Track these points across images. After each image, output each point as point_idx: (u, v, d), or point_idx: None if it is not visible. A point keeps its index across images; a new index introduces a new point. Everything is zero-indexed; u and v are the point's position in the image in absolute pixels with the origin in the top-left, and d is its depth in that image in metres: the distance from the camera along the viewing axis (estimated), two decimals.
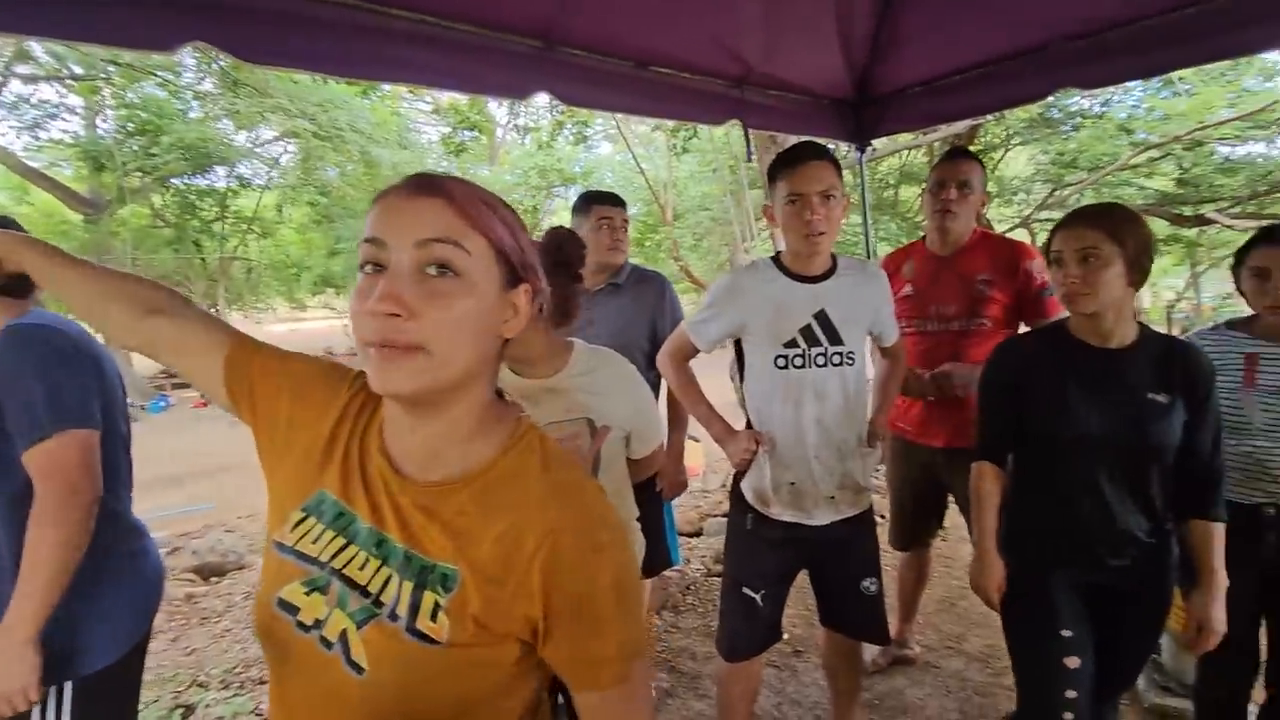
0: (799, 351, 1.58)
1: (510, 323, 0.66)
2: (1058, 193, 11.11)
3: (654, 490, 2.06)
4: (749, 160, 2.90)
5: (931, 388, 2.02)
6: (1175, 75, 9.04)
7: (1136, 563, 1.36)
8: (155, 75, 12.05)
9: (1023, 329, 2.05)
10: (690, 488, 4.97)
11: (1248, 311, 1.62)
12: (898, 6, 2.47)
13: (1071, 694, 1.33)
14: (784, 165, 1.55)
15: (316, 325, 25.83)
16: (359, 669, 0.60)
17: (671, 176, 13.21)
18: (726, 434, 1.67)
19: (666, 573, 3.01)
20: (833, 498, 1.62)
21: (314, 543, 0.65)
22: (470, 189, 0.63)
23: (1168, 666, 2.13)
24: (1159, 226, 12.18)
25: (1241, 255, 1.55)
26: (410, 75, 1.77)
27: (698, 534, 3.80)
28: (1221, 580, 1.34)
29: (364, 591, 0.63)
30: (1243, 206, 9.96)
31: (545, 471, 0.67)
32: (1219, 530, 1.35)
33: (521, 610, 0.62)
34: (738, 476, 1.73)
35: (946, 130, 7.39)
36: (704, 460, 5.22)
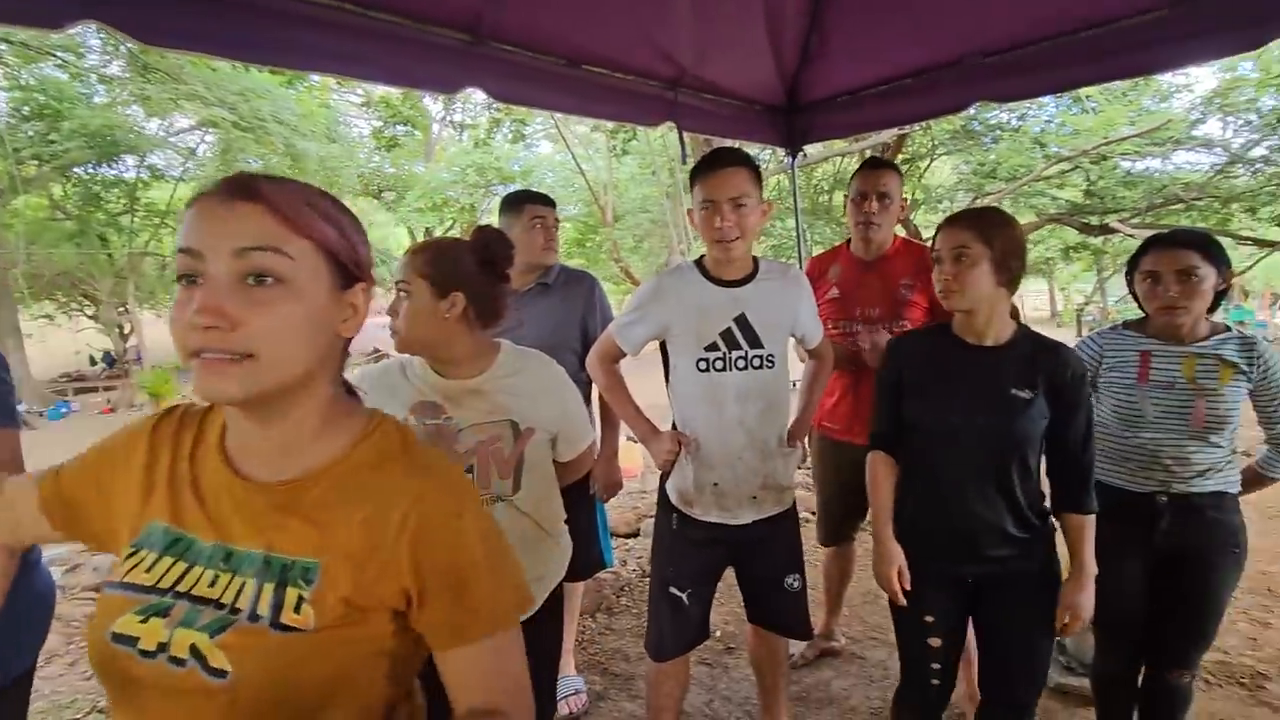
0: (719, 355, 1.60)
1: (349, 321, 0.67)
2: (979, 201, 11.71)
3: (584, 492, 2.05)
4: (684, 162, 2.92)
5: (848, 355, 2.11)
6: (1083, 93, 9.69)
7: (1013, 555, 1.41)
8: (55, 56, 11.19)
9: None
10: (627, 489, 4.97)
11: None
12: (825, 18, 2.54)
13: (936, 666, 1.50)
14: (700, 171, 1.58)
15: None
16: (221, 674, 0.59)
17: (612, 178, 13.20)
18: (651, 435, 1.69)
19: (600, 574, 3.00)
20: (755, 498, 1.65)
21: (147, 572, 0.64)
22: (291, 190, 0.63)
23: (1069, 648, 2.27)
24: (1069, 235, 13.03)
25: (1134, 262, 1.66)
26: (331, 65, 1.70)
27: (634, 535, 3.80)
28: (1090, 570, 1.40)
29: (217, 604, 0.62)
30: (1141, 217, 10.78)
31: (405, 454, 0.70)
32: (1089, 522, 1.42)
33: (393, 584, 0.64)
34: (663, 478, 1.74)
35: (876, 138, 7.67)
36: (641, 461, 5.23)
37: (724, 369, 1.60)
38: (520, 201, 2.16)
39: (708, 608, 1.75)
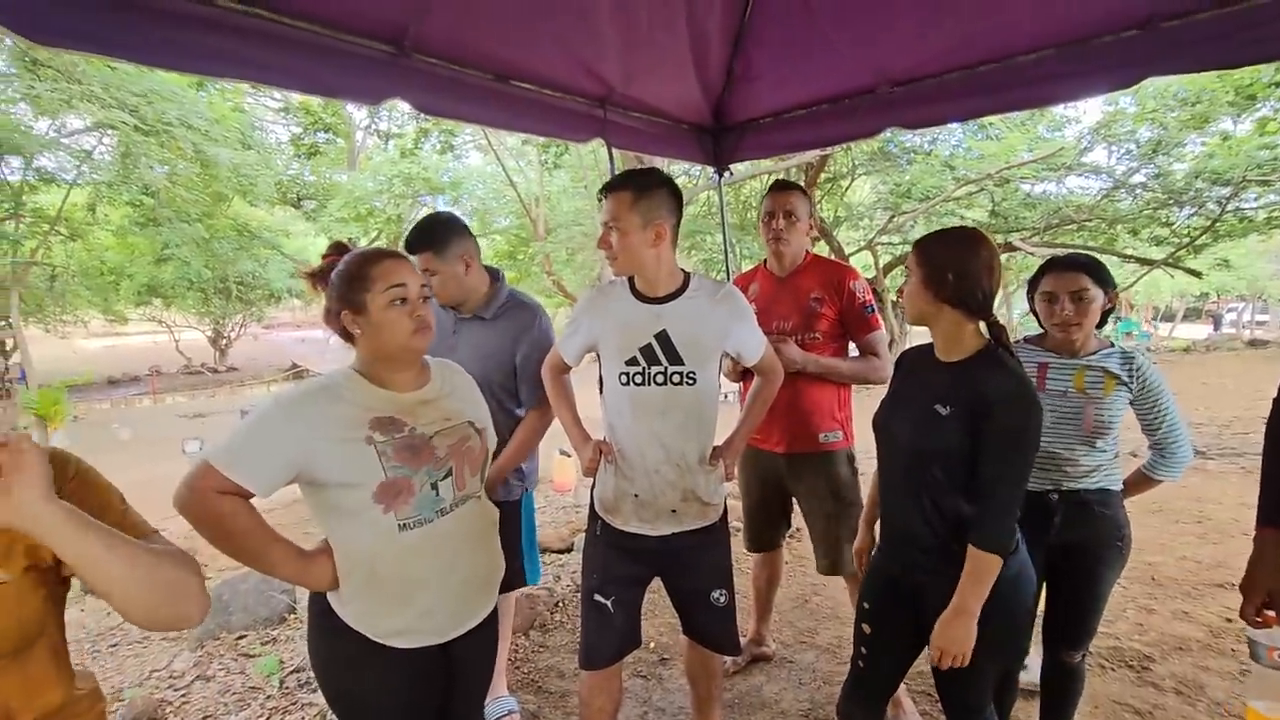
0: (639, 369, 1.63)
1: None
2: (895, 219, 12.36)
3: (511, 506, 2.03)
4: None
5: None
6: (987, 121, 10.43)
7: (934, 566, 1.45)
8: None
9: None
10: (560, 503, 4.93)
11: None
12: (748, 43, 2.64)
13: (863, 650, 1.59)
14: (602, 191, 1.65)
15: (139, 341, 22.91)
16: None
17: (544, 191, 13.16)
18: (581, 441, 1.73)
19: (534, 591, 2.96)
20: (675, 511, 1.68)
21: None
22: None
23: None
24: None
25: (1033, 283, 1.83)
26: (242, 71, 1.62)
27: (568, 550, 3.77)
28: (964, 608, 1.34)
29: None
30: (1040, 235, 11.67)
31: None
32: (979, 560, 1.33)
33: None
34: (593, 487, 1.78)
35: (800, 158, 7.98)
36: (575, 475, 5.20)
37: (643, 383, 1.63)
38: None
39: (635, 616, 1.77)
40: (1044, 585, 1.80)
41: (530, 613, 2.86)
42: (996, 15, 2.15)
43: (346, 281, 1.25)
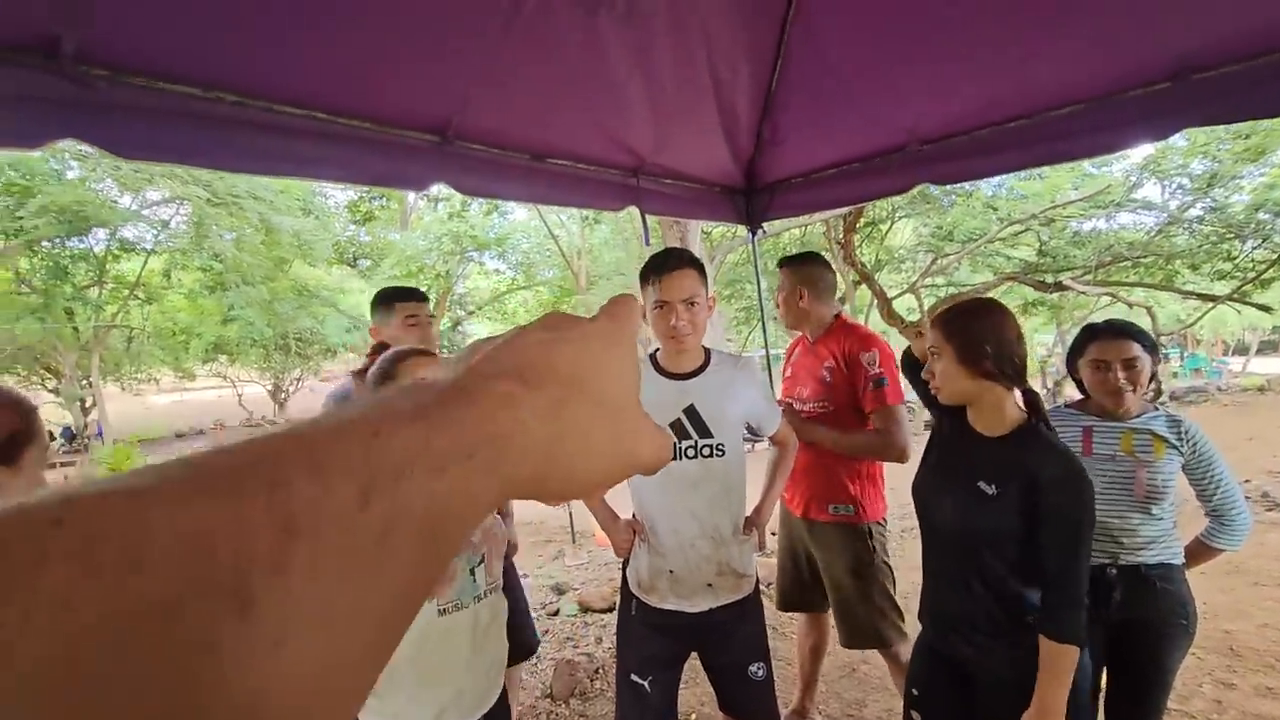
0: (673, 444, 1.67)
1: None
2: (938, 261, 12.20)
3: (512, 569, 2.07)
4: (646, 244, 3.04)
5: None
6: None
7: (991, 652, 1.38)
8: None
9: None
10: (603, 560, 4.91)
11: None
12: (776, 110, 2.72)
13: None
14: (651, 271, 1.66)
15: (205, 395, 24.05)
16: None
17: (585, 244, 13.50)
18: (610, 522, 1.75)
19: (574, 657, 2.94)
20: (710, 585, 1.67)
21: None
22: None
23: None
24: (1027, 292, 13.57)
25: (1077, 349, 1.79)
26: (300, 169, 1.76)
27: (610, 610, 3.73)
28: (1050, 709, 1.26)
29: None
30: (1093, 274, 11.32)
31: None
32: (1058, 653, 1.27)
33: None
34: (625, 565, 1.77)
35: (836, 210, 8.00)
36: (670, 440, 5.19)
37: (675, 458, 1.64)
38: (390, 300, 2.16)
39: (672, 695, 1.75)
40: (1104, 665, 1.71)
41: (570, 679, 2.82)
42: (1024, 72, 2.17)
43: (378, 380, 1.34)
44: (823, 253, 2.50)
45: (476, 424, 0.23)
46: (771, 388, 1.81)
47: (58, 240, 13.07)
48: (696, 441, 1.65)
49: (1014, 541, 1.33)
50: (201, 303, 16.07)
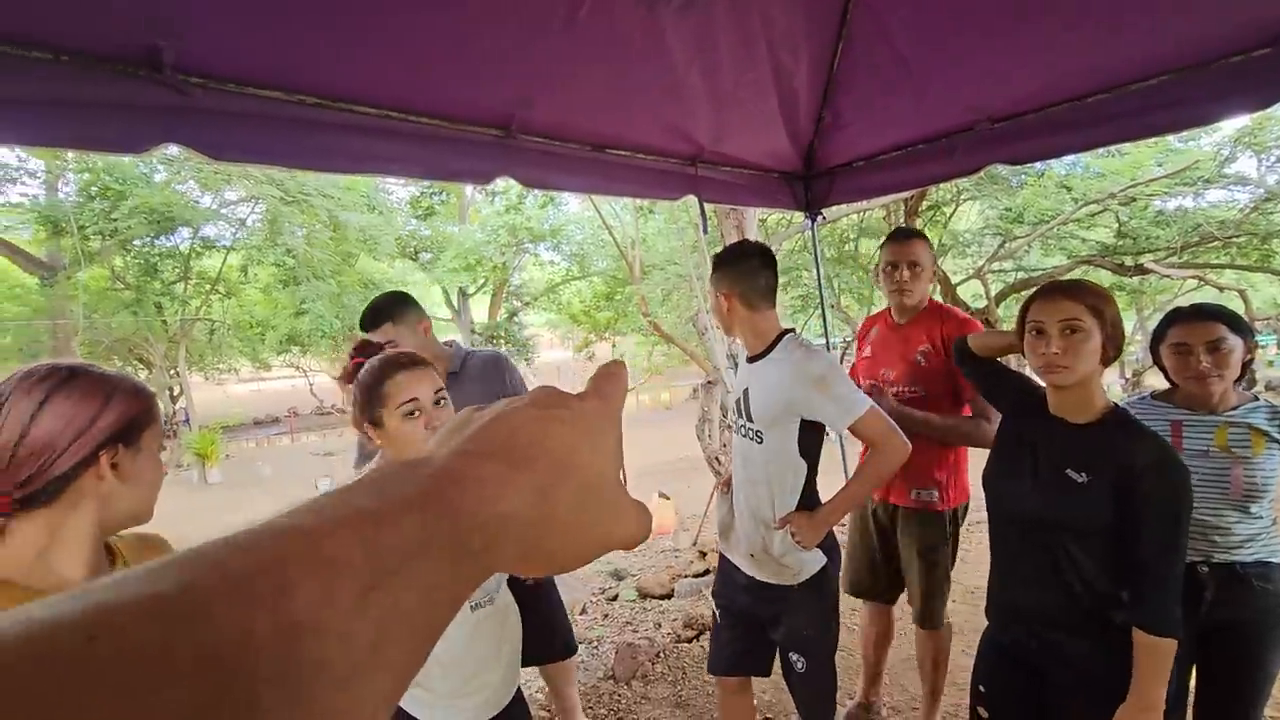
0: (735, 420, 1.80)
1: None
2: (1007, 245, 11.67)
3: None
4: (704, 233, 3.03)
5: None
6: None
7: (1072, 645, 1.33)
8: None
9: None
10: (660, 547, 4.95)
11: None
12: (837, 94, 2.67)
13: None
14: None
15: (280, 385, 25.31)
16: None
17: (639, 234, 13.51)
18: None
19: (636, 640, 2.99)
20: (753, 556, 1.76)
21: None
22: None
23: None
24: (1103, 276, 12.86)
25: (1159, 335, 1.70)
26: (375, 166, 1.85)
27: (668, 596, 3.77)
28: (1149, 703, 1.22)
29: None
30: (1178, 255, 10.61)
31: (130, 540, 1.00)
32: (1154, 646, 1.22)
33: None
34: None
35: (898, 194, 7.76)
36: (675, 518, 5.21)
37: (737, 433, 1.80)
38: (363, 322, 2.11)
39: (744, 639, 1.85)
40: (1193, 667, 1.62)
41: (632, 663, 2.88)
42: (1103, 43, 2.06)
43: (365, 395, 1.30)
44: (884, 237, 2.42)
45: (468, 513, 0.24)
46: (844, 381, 1.67)
47: (148, 239, 13.96)
48: (745, 424, 1.75)
49: (1103, 532, 1.28)
50: (276, 297, 16.90)
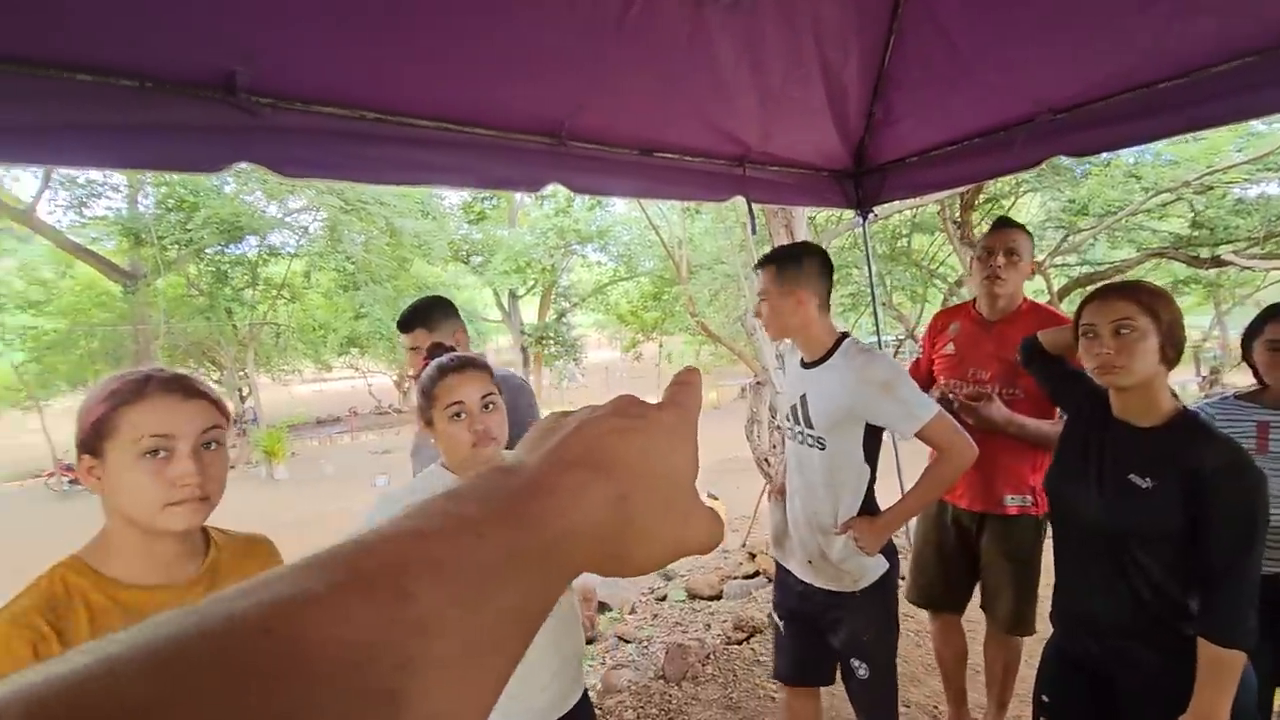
0: (790, 426, 1.78)
1: None
2: (1071, 238, 11.16)
3: None
4: (753, 233, 3.02)
5: (959, 404, 2.03)
6: None
7: (1141, 655, 1.29)
8: None
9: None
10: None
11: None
12: (888, 88, 2.62)
13: None
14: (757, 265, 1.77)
15: (340, 385, 26.27)
16: None
17: (686, 234, 13.49)
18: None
19: (685, 641, 3.00)
20: (810, 562, 1.75)
21: None
22: None
23: None
24: (1177, 269, 12.19)
25: (1253, 331, 1.61)
26: (432, 177, 1.92)
27: (717, 597, 3.76)
28: (1206, 715, 1.16)
29: None
30: (1261, 246, 9.94)
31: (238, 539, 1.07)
32: (1219, 658, 1.17)
33: None
34: None
35: (954, 189, 7.53)
36: (724, 519, 5.19)
37: (793, 439, 1.77)
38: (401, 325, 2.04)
39: (809, 648, 1.83)
40: (1276, 685, 1.53)
41: (682, 663, 2.89)
42: (1175, 26, 1.96)
43: (421, 395, 1.33)
44: (938, 233, 2.33)
45: (556, 520, 0.26)
46: (910, 385, 1.63)
47: (219, 248, 14.75)
48: (804, 430, 1.72)
49: (1171, 538, 1.23)
50: (336, 301, 17.59)
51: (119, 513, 0.90)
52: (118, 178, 13.61)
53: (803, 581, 1.77)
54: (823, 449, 1.66)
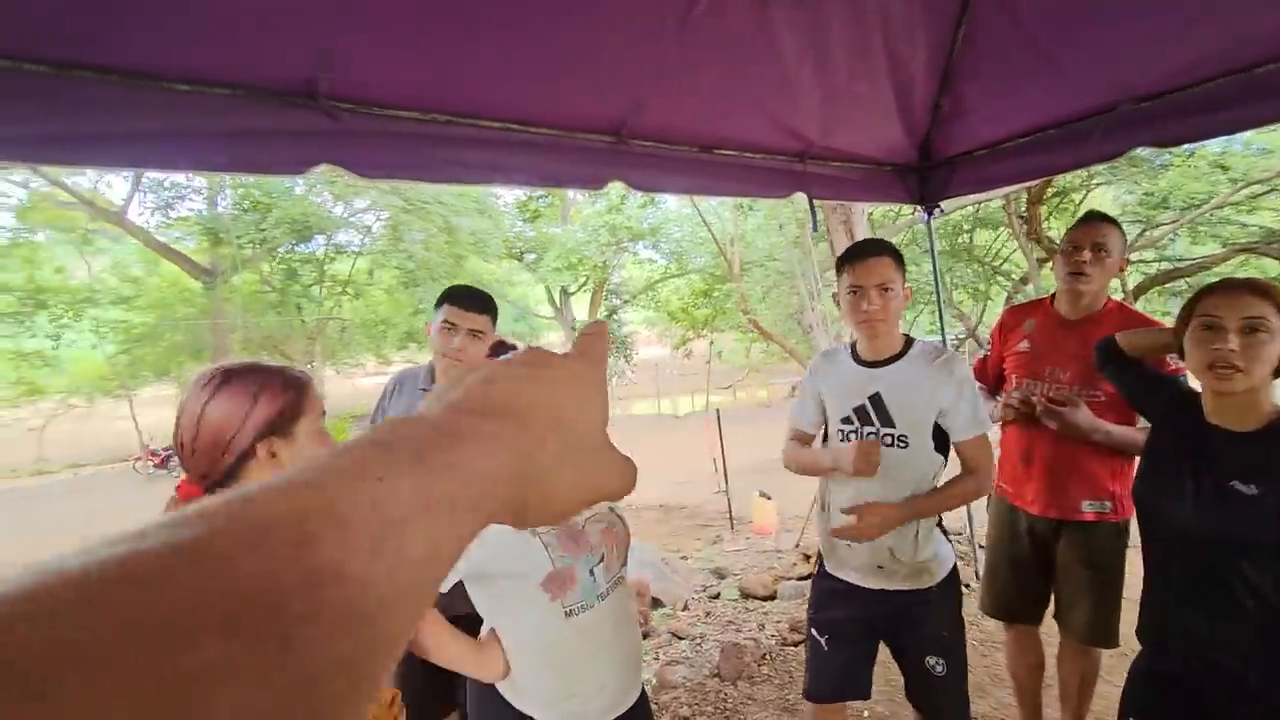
0: (853, 428, 1.71)
1: None
2: (1148, 233, 10.57)
3: None
4: (814, 230, 2.98)
5: (1048, 413, 1.94)
6: None
7: (1238, 674, 1.21)
8: None
9: None
10: (762, 548, 4.90)
11: None
12: (957, 79, 2.54)
13: None
14: (848, 259, 1.69)
15: None
16: None
17: (738, 230, 13.39)
18: (838, 454, 1.68)
19: (741, 641, 2.99)
20: (882, 567, 1.70)
21: None
22: None
23: None
24: (1268, 266, 11.36)
25: None
26: (498, 176, 1.97)
27: (771, 598, 3.73)
28: None
29: None
30: None
31: None
32: None
33: None
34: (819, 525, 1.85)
35: (1021, 183, 7.24)
36: (777, 519, 5.13)
37: (868, 440, 1.68)
38: (443, 296, 1.88)
39: (854, 661, 1.76)
40: None
41: (738, 662, 2.88)
42: (1274, 5, 1.84)
43: None
44: (1002, 228, 2.23)
45: (467, 467, 0.25)
46: (978, 392, 1.68)
47: (289, 246, 15.46)
48: (878, 429, 1.66)
49: (1272, 544, 1.16)
50: (397, 297, 18.19)
51: None
52: (199, 181, 14.43)
53: (866, 589, 1.72)
54: (905, 447, 1.64)
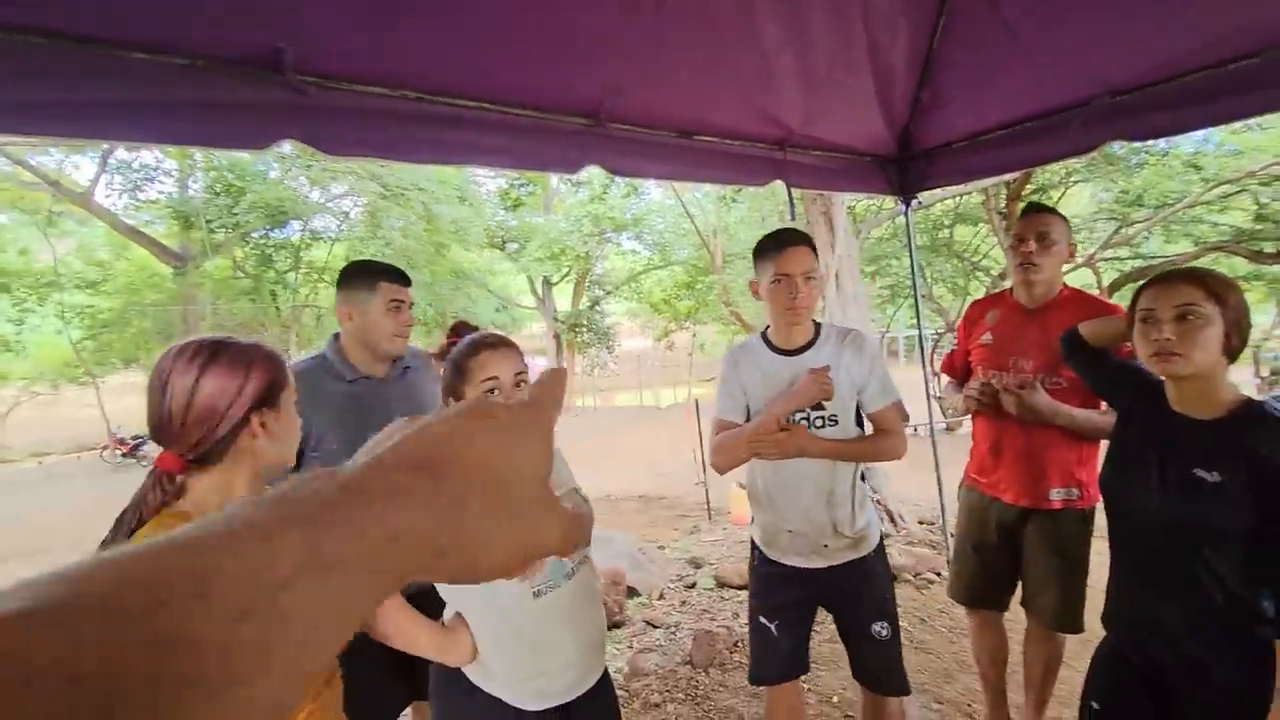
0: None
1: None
2: (1123, 230, 10.75)
3: None
4: (791, 219, 2.96)
5: (1010, 398, 1.96)
6: None
7: (1192, 659, 1.23)
8: None
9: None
10: (738, 538, 4.91)
11: None
12: (936, 70, 2.53)
13: None
14: (770, 248, 1.71)
15: None
16: None
17: (721, 223, 13.39)
18: (781, 399, 1.68)
19: (714, 629, 2.99)
20: (826, 545, 1.76)
21: None
22: None
23: None
24: (1237, 264, 11.63)
25: None
26: (471, 157, 1.92)
27: (746, 587, 3.74)
28: None
29: None
30: None
31: None
32: None
33: None
34: (754, 520, 1.91)
35: (999, 177, 7.31)
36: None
37: (800, 425, 1.73)
38: (375, 275, 1.81)
39: (801, 641, 1.84)
40: None
41: (709, 649, 2.88)
42: (1250, 4, 1.85)
43: (451, 371, 1.31)
44: (981, 224, 2.26)
45: (367, 525, 0.24)
46: (884, 365, 1.80)
47: (264, 232, 15.14)
48: (809, 414, 1.71)
49: (1241, 535, 1.17)
50: None
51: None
52: (170, 163, 14.06)
53: (810, 569, 1.78)
54: (835, 424, 1.72)
